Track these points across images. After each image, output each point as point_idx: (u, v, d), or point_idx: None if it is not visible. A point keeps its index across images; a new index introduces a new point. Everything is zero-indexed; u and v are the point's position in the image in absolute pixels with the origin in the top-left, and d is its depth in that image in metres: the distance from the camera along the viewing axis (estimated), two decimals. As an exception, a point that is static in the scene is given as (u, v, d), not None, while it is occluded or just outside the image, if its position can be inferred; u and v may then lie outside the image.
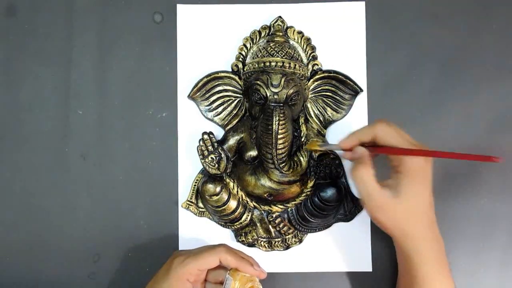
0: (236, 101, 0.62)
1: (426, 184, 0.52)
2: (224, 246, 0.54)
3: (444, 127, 0.63)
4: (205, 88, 0.61)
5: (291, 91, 0.57)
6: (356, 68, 0.62)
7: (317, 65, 0.61)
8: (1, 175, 0.63)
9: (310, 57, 0.61)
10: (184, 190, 0.62)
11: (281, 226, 0.61)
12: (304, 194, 0.60)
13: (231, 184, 0.60)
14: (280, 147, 0.57)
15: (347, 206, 0.62)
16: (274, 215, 0.61)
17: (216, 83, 0.61)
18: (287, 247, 0.62)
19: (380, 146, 0.53)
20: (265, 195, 0.60)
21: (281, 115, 0.56)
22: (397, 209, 0.52)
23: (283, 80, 0.57)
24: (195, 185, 0.62)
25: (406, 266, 0.54)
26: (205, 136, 0.59)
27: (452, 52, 0.63)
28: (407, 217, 0.52)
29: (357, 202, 0.62)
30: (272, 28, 0.61)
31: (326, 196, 0.59)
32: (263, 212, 0.61)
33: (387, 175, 0.54)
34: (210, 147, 0.59)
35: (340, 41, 0.62)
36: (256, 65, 0.59)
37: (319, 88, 0.61)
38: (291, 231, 0.62)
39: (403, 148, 0.52)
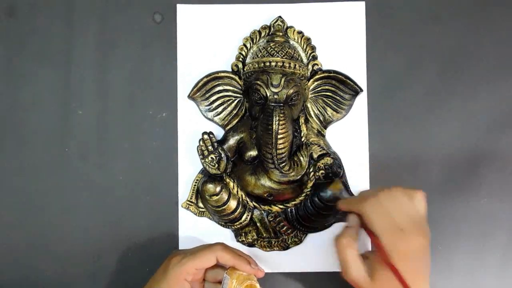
0: (236, 101, 0.62)
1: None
2: (221, 244, 0.54)
3: (444, 127, 0.63)
4: (205, 88, 0.61)
5: (291, 91, 0.57)
6: (356, 68, 0.62)
7: (317, 65, 0.61)
8: (1, 175, 0.63)
9: (310, 57, 0.61)
10: (184, 190, 0.62)
11: (281, 226, 0.61)
12: (304, 194, 0.60)
13: (231, 184, 0.60)
14: (280, 147, 0.57)
15: (347, 206, 0.62)
16: (274, 215, 0.61)
17: (216, 83, 0.61)
18: (287, 247, 0.62)
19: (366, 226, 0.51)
20: (265, 195, 0.60)
21: (281, 115, 0.56)
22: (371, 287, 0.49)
23: (283, 80, 0.57)
24: (195, 185, 0.62)
25: None
26: (205, 136, 0.59)
27: (452, 52, 0.63)
28: None
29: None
30: (272, 28, 0.61)
31: (326, 196, 0.59)
32: (263, 212, 0.61)
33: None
34: (210, 147, 0.59)
35: (340, 41, 0.62)
36: (256, 65, 0.59)
37: (319, 88, 0.61)
38: (291, 231, 0.62)
39: (383, 253, 0.49)
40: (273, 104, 0.57)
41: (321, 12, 0.63)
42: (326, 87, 0.61)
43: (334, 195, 0.59)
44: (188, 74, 0.62)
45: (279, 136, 0.56)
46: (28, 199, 0.63)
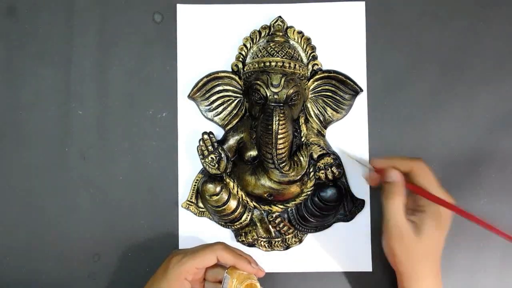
0: (236, 101, 0.62)
1: (445, 230, 0.54)
2: (221, 244, 0.54)
3: (444, 127, 0.63)
4: (205, 88, 0.61)
5: (291, 91, 0.57)
6: (356, 68, 0.62)
7: (317, 65, 0.61)
8: (1, 175, 0.63)
9: (310, 57, 0.61)
10: (184, 190, 0.62)
11: (281, 226, 0.61)
12: (304, 194, 0.60)
13: (231, 184, 0.60)
14: (280, 147, 0.57)
15: (347, 206, 0.62)
16: (274, 215, 0.61)
17: (216, 83, 0.61)
18: (287, 247, 0.62)
19: (410, 182, 0.54)
20: (265, 195, 0.60)
21: (281, 115, 0.56)
22: (416, 247, 0.53)
23: (283, 80, 0.57)
24: (195, 185, 0.62)
25: None
26: (205, 136, 0.59)
27: (452, 52, 0.63)
28: (422, 257, 0.53)
29: (357, 202, 0.62)
30: (272, 28, 0.61)
31: (326, 196, 0.59)
32: (263, 212, 0.61)
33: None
34: (210, 147, 0.59)
35: (340, 41, 0.62)
36: (256, 65, 0.59)
37: (319, 88, 0.61)
38: (291, 231, 0.62)
39: (437, 197, 0.53)
40: (273, 104, 0.57)
41: (321, 12, 0.63)
42: (326, 87, 0.61)
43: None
44: (188, 74, 0.62)
45: (279, 136, 0.56)
46: (28, 199, 0.63)
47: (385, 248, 0.55)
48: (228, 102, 0.62)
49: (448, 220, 0.54)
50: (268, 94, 0.57)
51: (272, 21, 0.61)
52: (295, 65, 0.59)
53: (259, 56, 0.59)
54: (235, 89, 0.61)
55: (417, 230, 0.53)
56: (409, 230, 0.53)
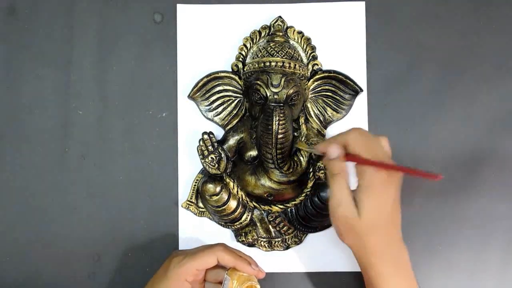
0: (236, 101, 0.62)
1: (386, 199, 0.49)
2: (222, 245, 0.54)
3: (444, 127, 0.63)
4: (205, 88, 0.61)
5: (291, 91, 0.57)
6: (356, 68, 0.62)
7: (317, 65, 0.61)
8: (1, 175, 0.63)
9: (310, 57, 0.61)
10: (184, 190, 0.62)
11: (281, 226, 0.61)
12: (304, 194, 0.60)
13: (231, 184, 0.60)
14: (280, 147, 0.57)
15: (347, 206, 0.61)
16: (274, 215, 0.61)
17: (216, 83, 0.61)
18: (287, 247, 0.62)
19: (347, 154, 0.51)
20: (265, 195, 0.60)
21: (281, 115, 0.56)
22: (356, 224, 0.49)
23: (283, 80, 0.57)
24: (195, 185, 0.62)
25: (365, 278, 0.52)
26: (205, 136, 0.59)
27: (452, 52, 0.63)
28: (365, 233, 0.50)
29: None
30: (272, 28, 0.61)
31: (326, 196, 0.59)
32: (263, 212, 0.61)
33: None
34: (210, 147, 0.59)
35: (340, 41, 0.62)
36: (256, 65, 0.59)
37: (319, 88, 0.61)
38: (291, 231, 0.62)
39: (367, 159, 0.49)
40: (273, 104, 0.57)
41: (321, 12, 0.63)
42: (326, 87, 0.61)
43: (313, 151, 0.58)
44: (188, 74, 0.62)
45: (279, 136, 0.56)
46: (28, 199, 0.63)
47: (333, 225, 0.52)
48: (228, 102, 0.62)
49: (387, 187, 0.49)
50: (268, 94, 0.57)
51: (272, 21, 0.61)
52: (295, 65, 0.59)
53: (259, 56, 0.59)
54: (235, 89, 0.61)
55: (357, 208, 0.49)
56: (353, 211, 0.49)
